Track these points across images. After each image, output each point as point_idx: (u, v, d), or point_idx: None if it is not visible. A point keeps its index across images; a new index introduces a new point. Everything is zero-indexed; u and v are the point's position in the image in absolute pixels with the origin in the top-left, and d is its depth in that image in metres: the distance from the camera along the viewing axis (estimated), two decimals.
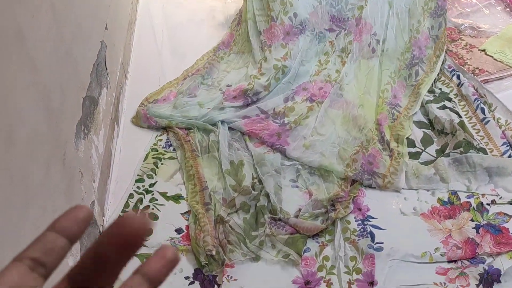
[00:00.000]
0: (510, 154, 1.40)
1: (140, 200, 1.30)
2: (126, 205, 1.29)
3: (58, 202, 0.94)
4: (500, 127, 1.49)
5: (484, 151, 1.40)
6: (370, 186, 1.35)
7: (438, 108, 1.56)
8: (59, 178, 0.96)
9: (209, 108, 1.58)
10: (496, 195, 1.30)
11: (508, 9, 2.13)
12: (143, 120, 1.57)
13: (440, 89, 1.69)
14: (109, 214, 1.28)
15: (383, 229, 1.23)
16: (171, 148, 1.47)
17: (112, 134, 1.47)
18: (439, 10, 1.78)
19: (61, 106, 1.01)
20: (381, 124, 1.53)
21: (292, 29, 1.76)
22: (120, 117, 1.58)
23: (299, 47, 1.77)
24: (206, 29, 2.06)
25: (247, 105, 1.62)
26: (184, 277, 1.14)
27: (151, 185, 1.35)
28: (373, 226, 1.24)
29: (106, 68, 1.46)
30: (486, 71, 1.74)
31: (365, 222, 1.24)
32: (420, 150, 1.45)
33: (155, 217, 1.27)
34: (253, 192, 1.29)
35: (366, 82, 1.71)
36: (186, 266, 1.16)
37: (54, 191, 0.93)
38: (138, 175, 1.37)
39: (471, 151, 1.37)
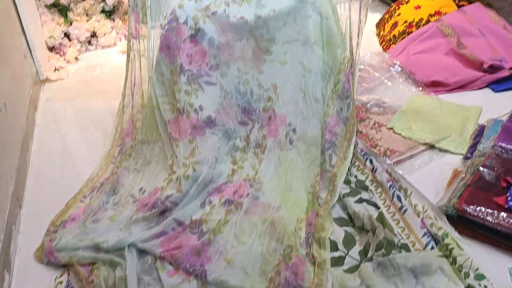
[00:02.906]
0: (432, 246, 1.36)
1: None
2: None
3: None
4: (418, 214, 1.46)
5: (406, 247, 1.35)
6: None
7: (356, 202, 1.51)
8: None
9: (121, 229, 1.45)
10: None
11: (410, 80, 2.20)
12: (45, 254, 1.39)
13: (356, 176, 1.66)
14: None
15: None
16: None
17: (1, 286, 1.28)
18: (345, 91, 1.73)
19: None
20: (312, 223, 1.46)
21: (199, 122, 1.66)
22: (12, 261, 1.39)
23: (208, 145, 1.67)
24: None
25: (162, 213, 1.50)
26: None
27: None
28: None
29: None
30: (397, 150, 1.74)
31: None
32: (343, 254, 1.38)
33: None
34: None
35: (286, 176, 1.64)
36: None
37: None
38: None
39: (393, 251, 1.32)
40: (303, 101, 1.74)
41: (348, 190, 1.57)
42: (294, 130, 1.73)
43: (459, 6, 2.41)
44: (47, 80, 2.42)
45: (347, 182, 1.62)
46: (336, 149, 1.67)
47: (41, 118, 2.15)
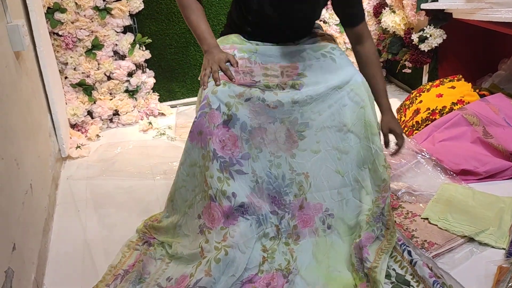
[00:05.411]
0: None
1: None
2: None
3: None
4: None
5: None
6: None
7: None
8: None
9: None
10: None
11: (438, 167, 2.17)
12: None
13: (394, 269, 1.57)
14: None
15: None
16: None
17: None
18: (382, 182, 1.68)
19: None
20: None
21: (231, 211, 1.60)
22: None
23: (240, 229, 1.60)
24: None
25: None
26: None
27: None
28: None
29: None
30: (435, 243, 1.67)
31: None
32: None
33: None
34: None
35: (329, 261, 1.56)
36: None
37: None
38: None
39: None
40: (341, 183, 1.69)
41: (390, 286, 1.48)
42: (331, 215, 1.67)
43: (481, 96, 2.44)
44: (68, 157, 2.40)
45: (387, 275, 1.53)
46: (384, 219, 1.62)
47: (61, 197, 2.10)
